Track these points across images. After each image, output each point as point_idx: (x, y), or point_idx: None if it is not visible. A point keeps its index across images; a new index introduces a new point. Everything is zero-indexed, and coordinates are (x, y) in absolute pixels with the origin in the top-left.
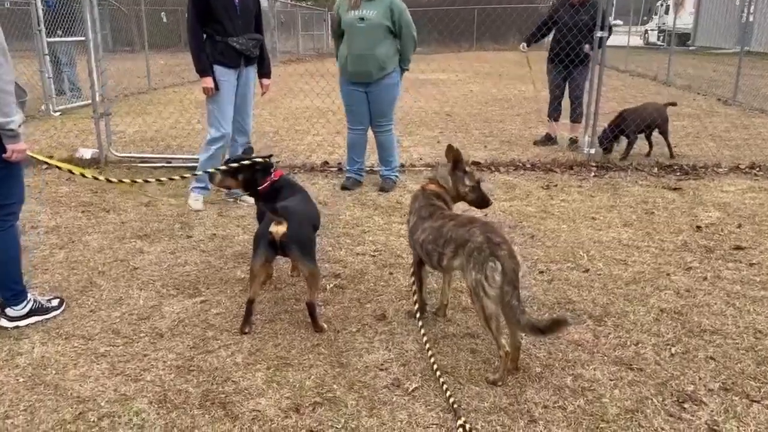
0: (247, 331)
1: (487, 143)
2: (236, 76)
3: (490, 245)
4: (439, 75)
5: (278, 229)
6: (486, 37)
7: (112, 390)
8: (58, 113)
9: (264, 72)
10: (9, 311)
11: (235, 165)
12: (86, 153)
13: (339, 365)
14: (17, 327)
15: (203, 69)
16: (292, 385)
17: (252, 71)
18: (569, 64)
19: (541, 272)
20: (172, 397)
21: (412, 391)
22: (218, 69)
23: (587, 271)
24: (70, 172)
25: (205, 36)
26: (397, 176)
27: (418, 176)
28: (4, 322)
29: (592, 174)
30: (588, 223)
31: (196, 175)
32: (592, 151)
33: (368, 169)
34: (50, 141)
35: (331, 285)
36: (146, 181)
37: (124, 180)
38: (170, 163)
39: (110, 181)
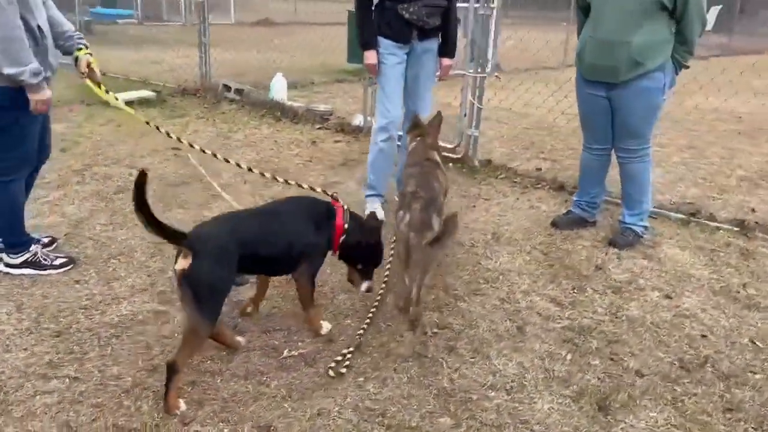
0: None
1: None
2: (406, 51)
3: (411, 196)
4: None
5: (180, 263)
6: None
7: None
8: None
9: (447, 50)
10: (4, 256)
11: None
12: (356, 119)
13: None
14: (9, 273)
15: (365, 41)
16: None
17: (433, 45)
18: None
19: None
20: None
21: None
22: (383, 43)
23: None
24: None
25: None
26: (646, 228)
27: (705, 237)
28: (2, 266)
29: None
30: None
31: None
32: None
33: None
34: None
35: (292, 353)
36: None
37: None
38: None
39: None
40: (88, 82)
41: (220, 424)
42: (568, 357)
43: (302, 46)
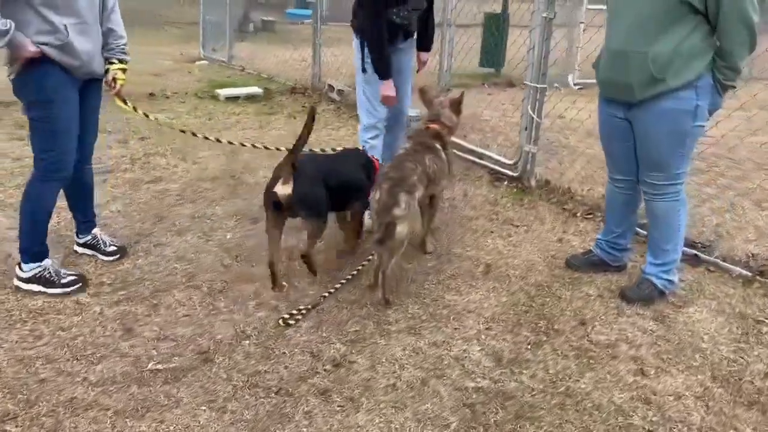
0: (278, 290)
1: None
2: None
3: (383, 177)
4: None
5: (283, 190)
6: None
7: None
8: (578, 87)
9: (424, 45)
10: (17, 269)
11: None
12: None
13: None
14: (18, 288)
15: (387, 70)
16: None
17: (411, 43)
18: None
19: None
20: None
21: None
22: None
23: None
24: (146, 115)
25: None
26: (671, 282)
27: (762, 304)
28: (15, 279)
29: None
30: None
31: None
32: None
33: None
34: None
35: (157, 366)
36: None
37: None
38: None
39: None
40: (115, 97)
41: (34, 428)
42: (453, 425)
43: (435, 48)
